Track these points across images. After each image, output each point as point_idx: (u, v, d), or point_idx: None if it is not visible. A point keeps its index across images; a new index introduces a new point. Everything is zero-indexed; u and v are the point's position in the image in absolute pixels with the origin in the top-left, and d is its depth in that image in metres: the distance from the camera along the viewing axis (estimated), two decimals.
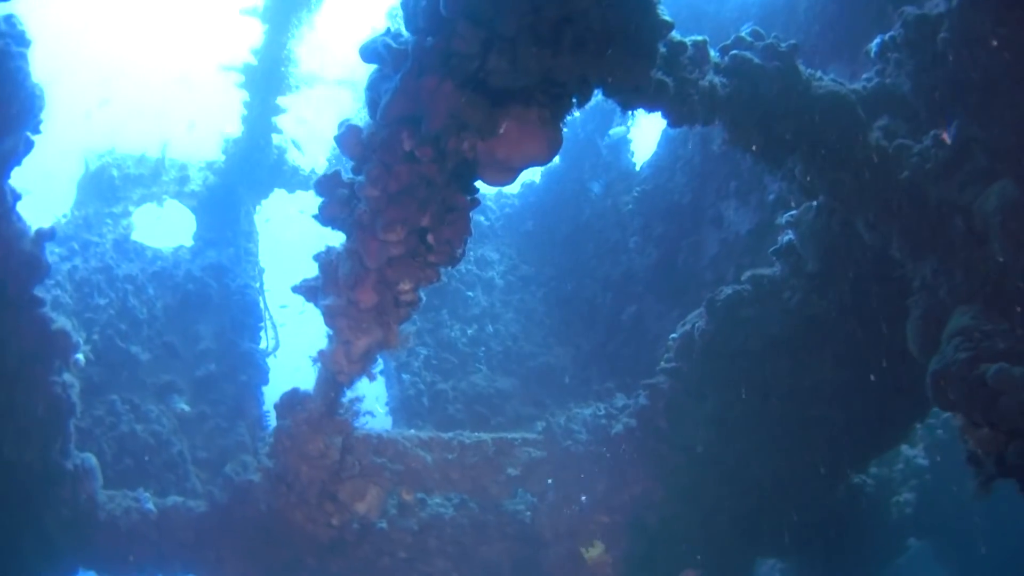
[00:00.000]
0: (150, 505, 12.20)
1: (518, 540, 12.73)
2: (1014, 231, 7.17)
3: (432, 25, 6.58)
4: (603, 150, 18.06)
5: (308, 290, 9.31)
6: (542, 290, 18.23)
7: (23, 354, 9.91)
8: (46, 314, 9.77)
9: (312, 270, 9.21)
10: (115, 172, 16.53)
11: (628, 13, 6.85)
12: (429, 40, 6.62)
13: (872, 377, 10.35)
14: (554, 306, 17.93)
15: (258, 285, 17.04)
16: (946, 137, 7.93)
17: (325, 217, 8.34)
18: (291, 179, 17.93)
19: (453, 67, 6.69)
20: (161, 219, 18.33)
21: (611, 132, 18.08)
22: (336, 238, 8.82)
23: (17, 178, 9.64)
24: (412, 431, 15.13)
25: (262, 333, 16.47)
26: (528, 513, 12.69)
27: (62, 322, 9.97)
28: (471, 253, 18.23)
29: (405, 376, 16.10)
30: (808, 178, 8.71)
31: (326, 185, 8.19)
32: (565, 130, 17.74)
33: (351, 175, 8.05)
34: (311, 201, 8.96)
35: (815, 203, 9.58)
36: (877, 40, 9.01)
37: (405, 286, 8.65)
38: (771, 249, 10.74)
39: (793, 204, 10.30)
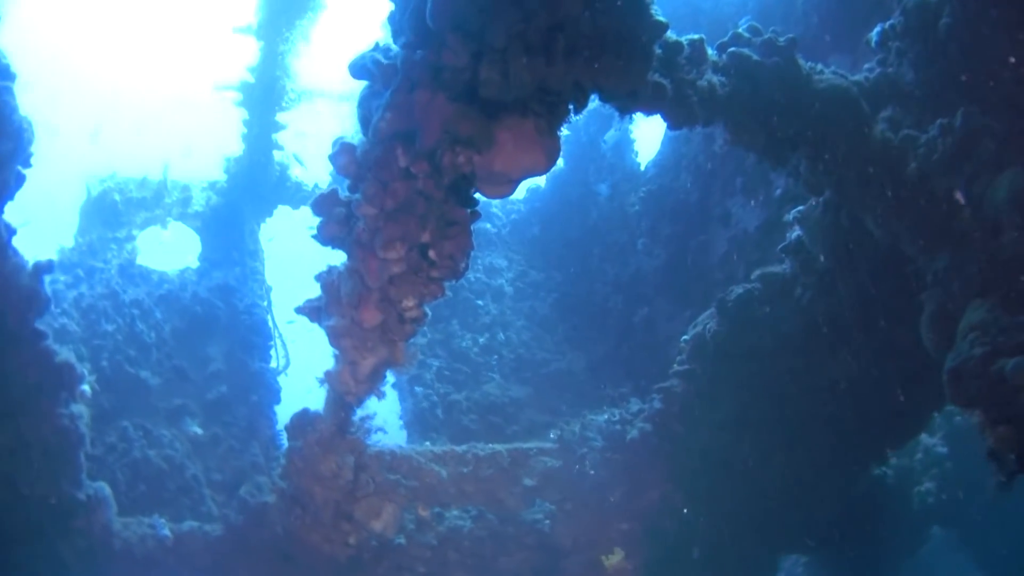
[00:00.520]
0: (166, 531, 12.12)
1: (538, 550, 12.61)
2: None
3: (420, 38, 6.46)
4: (607, 152, 17.91)
5: (312, 310, 9.20)
6: (552, 296, 18.08)
7: (28, 388, 9.84)
8: (49, 347, 9.70)
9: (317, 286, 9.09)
10: (117, 196, 16.45)
11: (620, 16, 6.72)
12: (418, 54, 6.50)
13: (887, 370, 10.21)
14: (565, 311, 17.77)
15: (266, 304, 16.93)
16: None
17: (324, 237, 8.23)
18: (294, 195, 17.84)
19: (444, 80, 6.56)
20: (166, 242, 18.25)
21: (605, 137, 17.93)
22: (338, 254, 8.73)
23: (18, 207, 9.60)
24: (427, 443, 15.11)
25: (272, 352, 16.37)
26: (547, 522, 12.56)
27: (66, 354, 9.90)
28: (479, 261, 18.13)
29: (418, 389, 15.97)
30: (813, 175, 8.53)
31: (323, 204, 8.07)
32: (567, 132, 17.87)
33: (348, 193, 7.93)
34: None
35: (822, 198, 9.41)
36: (877, 29, 8.85)
37: (409, 303, 8.51)
38: (780, 247, 10.58)
39: (800, 199, 10.17)
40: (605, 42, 6.72)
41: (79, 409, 10.67)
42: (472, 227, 15.50)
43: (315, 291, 9.26)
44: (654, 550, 12.01)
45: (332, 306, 8.68)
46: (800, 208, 9.92)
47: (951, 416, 14.84)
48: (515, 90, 6.35)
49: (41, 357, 9.74)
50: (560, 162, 18.87)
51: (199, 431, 14.81)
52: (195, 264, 17.11)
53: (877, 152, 8.14)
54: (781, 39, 8.36)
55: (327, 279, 8.68)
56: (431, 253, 8.00)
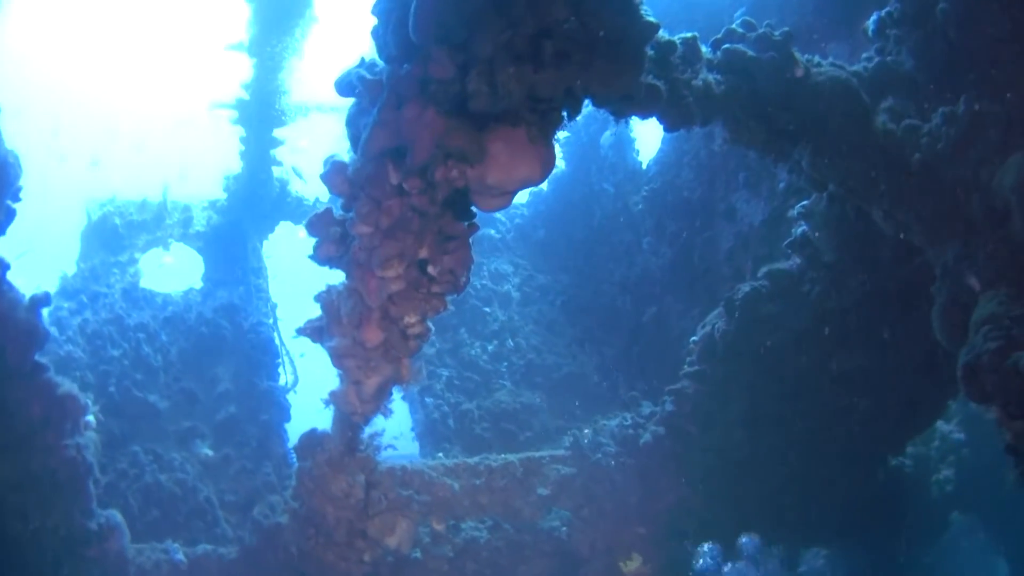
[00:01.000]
0: (180, 556, 12.05)
1: (556, 557, 12.50)
2: None
3: (405, 52, 6.32)
4: (608, 151, 17.74)
5: (314, 331, 9.07)
6: (560, 299, 17.94)
7: (33, 421, 9.75)
8: (51, 379, 9.60)
9: None
10: (118, 220, 16.41)
11: (609, 19, 6.54)
12: (404, 68, 6.35)
13: (900, 361, 10.06)
14: (574, 314, 17.64)
15: (271, 321, 16.84)
16: None
17: (320, 258, 8.11)
18: (296, 210, 17.73)
19: (432, 94, 6.42)
20: (169, 264, 18.19)
21: (602, 140, 17.77)
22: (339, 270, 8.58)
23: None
24: (440, 454, 14.99)
25: (280, 369, 16.28)
26: (564, 528, 12.44)
27: (68, 385, 9.80)
28: (485, 268, 17.99)
29: (428, 400, 15.85)
30: (816, 170, 8.35)
31: (318, 225, 7.95)
32: (566, 134, 17.68)
33: (343, 212, 7.80)
34: None
35: (827, 192, 9.24)
36: (874, 17, 8.69)
37: (411, 319, 8.38)
38: (786, 242, 10.42)
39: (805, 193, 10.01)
40: (595, 46, 6.55)
41: (86, 439, 10.59)
42: (475, 235, 15.45)
43: (318, 309, 9.15)
44: (674, 553, 11.88)
45: (333, 326, 8.54)
46: (805, 203, 9.75)
47: (967, 402, 14.60)
48: (504, 100, 6.19)
49: (43, 390, 9.64)
50: (561, 163, 18.75)
51: (210, 453, 14.73)
52: (199, 285, 17.01)
53: (880, 144, 7.97)
54: (776, 33, 8.18)
55: (327, 299, 8.55)
56: (431, 269, 7.86)
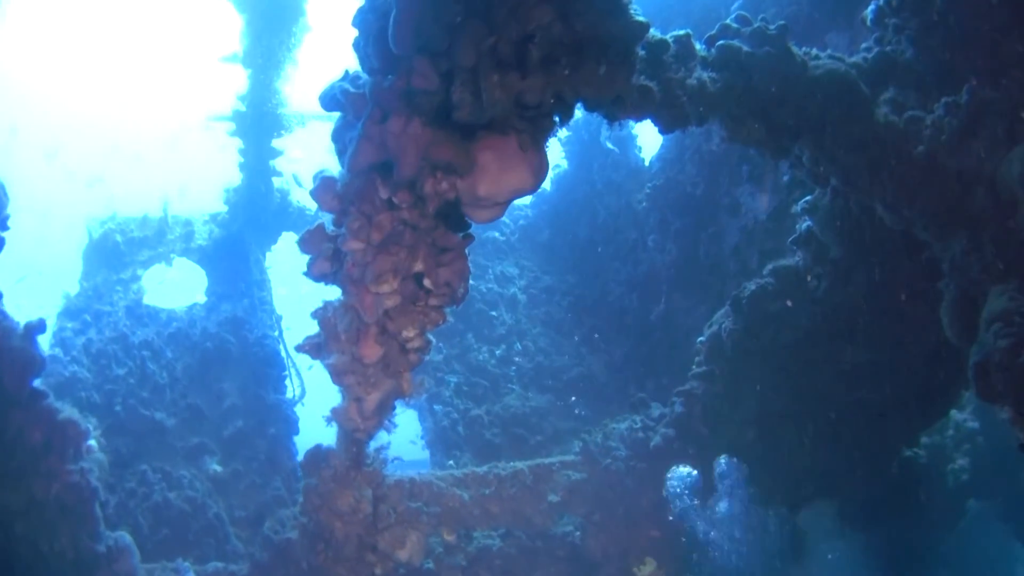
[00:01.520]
0: (191, 574, 11.96)
1: (570, 562, 12.38)
2: None
3: (387, 64, 6.15)
4: (610, 149, 17.55)
5: (313, 347, 8.92)
6: (567, 299, 17.76)
7: (35, 449, 9.66)
8: (51, 405, 9.51)
9: None
10: (119, 237, 16.30)
11: (597, 21, 6.35)
12: (387, 80, 6.18)
13: (911, 353, 9.87)
14: (581, 314, 17.46)
15: (277, 333, 16.72)
16: None
17: (314, 275, 7.95)
18: (298, 220, 17.59)
19: (417, 105, 6.24)
20: (172, 280, 18.10)
21: (602, 138, 17.57)
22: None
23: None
24: (451, 461, 14.85)
25: (287, 382, 16.15)
26: (577, 533, 12.30)
27: (68, 411, 9.70)
28: (490, 271, 17.83)
29: (437, 407, 15.70)
30: (817, 164, 8.15)
31: (310, 242, 7.80)
32: (568, 133, 17.46)
33: (334, 228, 7.65)
34: None
35: (830, 186, 9.03)
36: (872, 6, 8.48)
37: (410, 333, 8.20)
38: (790, 239, 10.22)
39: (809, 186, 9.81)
40: (583, 49, 6.36)
41: (90, 463, 10.51)
42: (480, 238, 15.32)
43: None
44: (689, 553, 11.73)
45: (331, 343, 8.39)
46: (808, 198, 9.55)
47: None
48: (490, 110, 6.01)
49: (44, 416, 9.55)
50: (564, 162, 18.57)
51: (219, 468, 14.62)
52: (203, 299, 16.90)
53: (882, 136, 7.75)
54: (771, 27, 7.97)
55: (323, 316, 8.39)
56: (427, 282, 7.70)
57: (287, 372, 16.18)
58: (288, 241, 18.28)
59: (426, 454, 16.27)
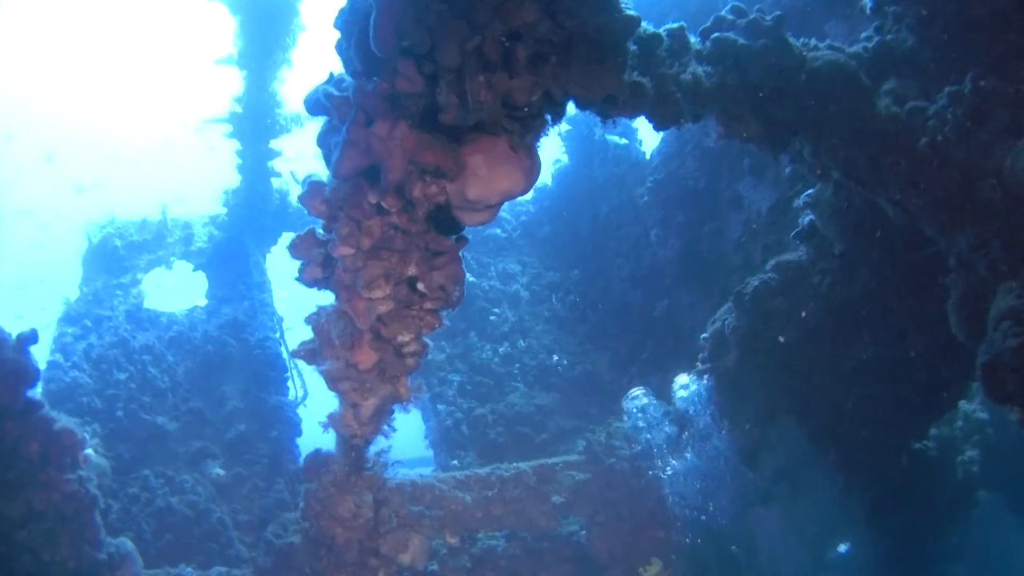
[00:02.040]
0: None
1: (576, 562, 12.27)
2: None
3: (371, 67, 5.97)
4: (611, 142, 17.34)
5: (308, 353, 8.78)
6: (570, 296, 17.58)
7: (32, 459, 9.58)
8: (47, 415, 9.41)
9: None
10: (118, 242, 16.18)
11: (585, 17, 6.16)
12: (371, 83, 6.01)
13: (918, 346, 9.70)
14: (585, 311, 17.29)
15: (278, 335, 16.58)
16: None
17: (306, 280, 7.80)
18: (297, 221, 17.44)
19: (403, 108, 6.07)
20: (171, 286, 17.99)
21: (595, 132, 17.39)
22: None
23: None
24: (455, 461, 14.71)
25: (289, 384, 16.02)
26: (583, 533, 12.18)
27: (64, 420, 9.60)
28: (492, 268, 17.68)
29: (440, 407, 15.57)
30: (818, 159, 7.95)
31: (301, 247, 7.64)
32: (569, 127, 17.24)
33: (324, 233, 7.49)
34: None
35: (832, 180, 8.83)
36: None
37: (405, 337, 8.04)
38: (793, 233, 10.03)
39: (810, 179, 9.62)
40: (572, 46, 6.18)
41: (88, 471, 10.43)
42: (482, 235, 15.10)
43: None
44: (698, 552, 11.61)
45: (325, 349, 8.23)
46: (810, 191, 9.36)
47: None
48: (476, 112, 5.84)
49: (40, 427, 9.45)
50: (564, 157, 18.38)
51: (221, 472, 14.51)
52: (203, 302, 16.79)
53: (884, 128, 7.55)
54: (768, 18, 7.77)
55: (316, 321, 8.24)
56: (420, 286, 7.55)
57: (289, 374, 16.05)
58: (288, 242, 18.21)
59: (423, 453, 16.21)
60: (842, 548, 11.80)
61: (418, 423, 16.07)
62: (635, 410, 11.85)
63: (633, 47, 6.89)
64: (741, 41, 7.68)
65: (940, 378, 10.39)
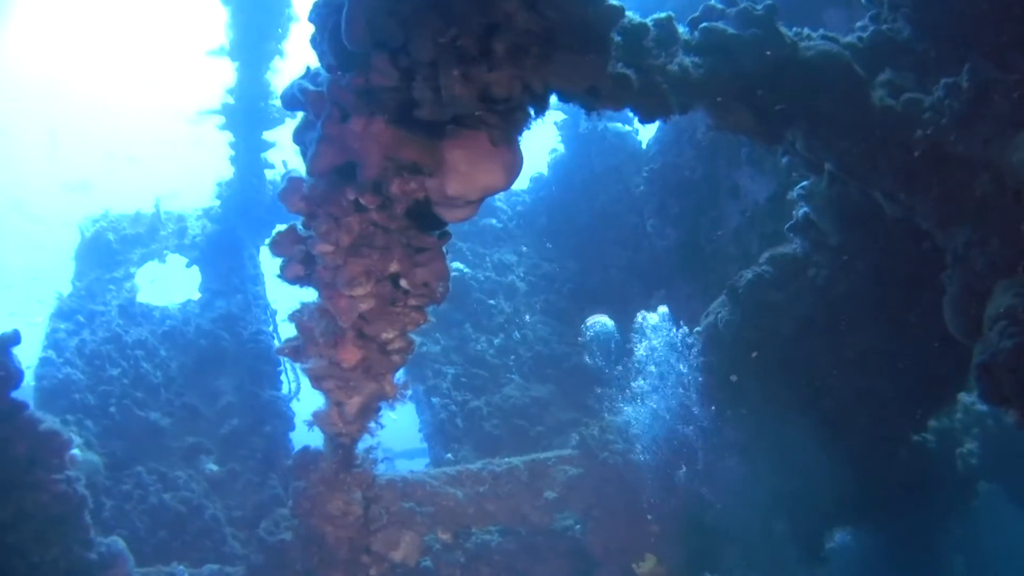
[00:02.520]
0: None
1: (572, 557, 12.16)
2: None
3: (345, 61, 5.79)
4: (607, 132, 17.12)
5: (293, 351, 8.63)
6: (567, 286, 17.40)
7: (19, 460, 9.51)
8: (32, 416, 9.34)
9: None
10: (111, 236, 16.05)
11: (567, 6, 5.96)
12: (345, 78, 5.83)
13: (916, 339, 9.53)
14: (582, 301, 17.08)
15: (271, 329, 16.44)
16: None
17: (288, 278, 7.64)
18: (291, 213, 17.22)
19: (379, 103, 5.89)
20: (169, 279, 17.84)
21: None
22: None
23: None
24: (449, 455, 14.58)
25: (282, 378, 15.89)
26: (578, 527, 12.07)
27: (50, 421, 9.52)
28: (488, 259, 17.51)
29: (435, 399, 15.40)
30: (811, 151, 7.75)
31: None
32: (565, 117, 16.99)
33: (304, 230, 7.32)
34: None
35: (826, 171, 8.64)
36: None
37: (389, 335, 7.88)
38: (787, 225, 9.84)
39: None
40: (553, 36, 5.98)
41: (77, 470, 10.35)
42: (477, 226, 14.83)
43: None
44: (692, 546, 11.50)
45: (309, 347, 8.08)
46: (804, 183, 9.16)
47: None
48: (451, 106, 5.65)
49: (25, 428, 9.39)
50: (560, 147, 18.16)
51: (215, 468, 14.41)
52: (196, 296, 16.64)
53: (879, 121, 7.35)
54: (758, 7, 7.55)
55: (300, 319, 8.08)
56: (403, 283, 7.39)
57: (282, 368, 15.92)
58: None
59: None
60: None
61: (413, 415, 15.93)
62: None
63: (617, 38, 6.70)
64: (731, 31, 7.47)
65: (940, 369, 10.21)
